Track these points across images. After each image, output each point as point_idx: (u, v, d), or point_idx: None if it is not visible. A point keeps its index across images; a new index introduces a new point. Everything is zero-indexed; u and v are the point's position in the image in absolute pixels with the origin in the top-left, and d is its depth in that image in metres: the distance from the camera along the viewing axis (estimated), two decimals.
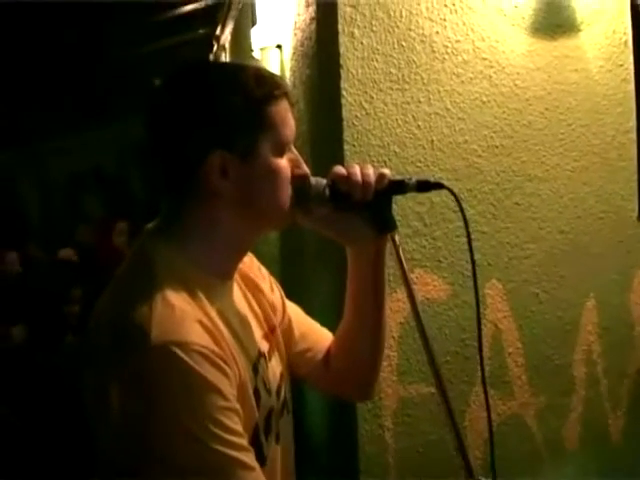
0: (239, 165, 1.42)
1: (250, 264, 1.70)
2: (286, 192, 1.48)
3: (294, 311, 1.80)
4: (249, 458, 1.32)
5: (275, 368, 1.62)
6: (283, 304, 1.76)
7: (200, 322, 1.34)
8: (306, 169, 1.52)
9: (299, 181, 1.50)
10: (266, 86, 1.44)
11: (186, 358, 1.27)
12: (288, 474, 1.65)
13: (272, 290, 1.74)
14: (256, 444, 1.43)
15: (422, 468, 2.64)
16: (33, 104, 7.95)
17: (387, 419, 2.62)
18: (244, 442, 1.33)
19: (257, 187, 1.45)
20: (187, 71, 1.50)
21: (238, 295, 1.59)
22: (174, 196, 1.48)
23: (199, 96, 1.42)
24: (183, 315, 1.33)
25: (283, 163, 1.47)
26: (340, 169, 1.56)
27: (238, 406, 1.34)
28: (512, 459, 2.68)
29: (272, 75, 1.50)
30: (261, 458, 1.44)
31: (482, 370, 1.75)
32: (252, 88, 1.42)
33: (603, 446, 2.92)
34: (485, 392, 1.72)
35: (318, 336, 1.82)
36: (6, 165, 10.75)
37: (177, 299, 1.35)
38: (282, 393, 1.63)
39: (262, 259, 1.76)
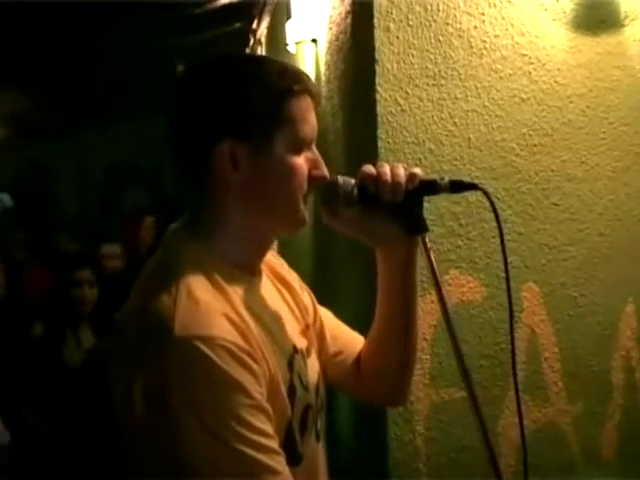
0: (250, 156, 1.38)
1: (280, 264, 1.67)
2: (298, 192, 1.42)
3: (325, 314, 1.76)
4: (274, 461, 1.27)
5: (314, 365, 1.58)
6: (314, 306, 1.72)
7: (226, 316, 1.30)
8: (325, 171, 1.47)
9: (317, 182, 1.46)
10: (287, 80, 1.40)
11: (209, 353, 1.23)
12: (326, 475, 1.61)
13: (302, 290, 1.71)
14: (289, 442, 1.39)
15: (453, 474, 2.58)
16: (68, 97, 8.01)
17: (418, 424, 2.56)
18: (270, 443, 1.28)
19: (268, 182, 1.41)
20: (210, 60, 1.48)
21: (271, 291, 1.56)
22: (194, 189, 1.46)
23: (215, 83, 1.41)
24: (208, 309, 1.29)
25: (298, 161, 1.42)
26: (369, 169, 1.50)
27: (266, 404, 1.30)
28: (547, 468, 2.61)
29: (297, 71, 1.46)
30: (295, 457, 1.41)
31: (514, 375, 1.70)
32: (273, 81, 1.39)
33: None
34: (517, 398, 1.67)
35: (349, 339, 1.78)
36: (43, 158, 10.87)
37: (202, 293, 1.32)
38: (321, 390, 1.59)
39: (294, 257, 1.72)
